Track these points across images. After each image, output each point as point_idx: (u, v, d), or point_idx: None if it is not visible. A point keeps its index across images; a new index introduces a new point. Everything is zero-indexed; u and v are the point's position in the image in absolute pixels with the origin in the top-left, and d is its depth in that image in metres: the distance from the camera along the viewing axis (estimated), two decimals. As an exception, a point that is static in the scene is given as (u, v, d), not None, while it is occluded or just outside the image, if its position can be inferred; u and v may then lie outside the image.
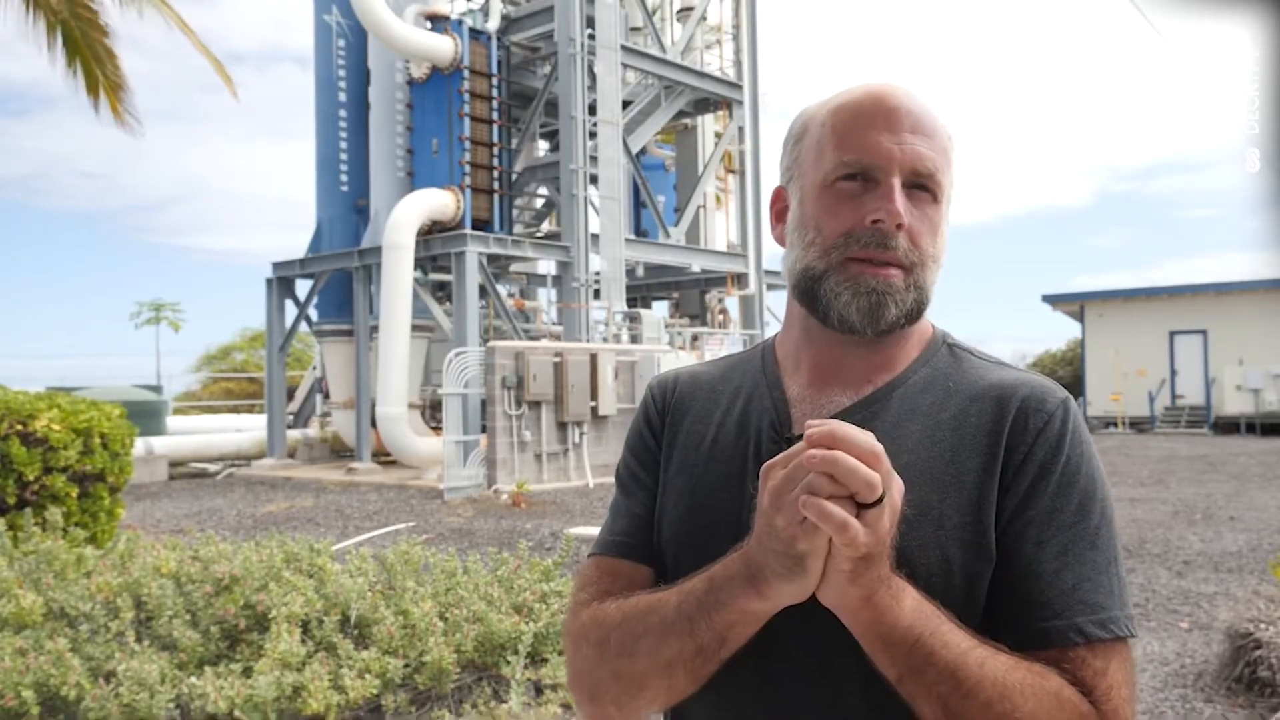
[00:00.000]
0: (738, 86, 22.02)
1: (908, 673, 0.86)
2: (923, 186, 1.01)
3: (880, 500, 0.79)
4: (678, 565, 1.07)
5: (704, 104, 22.44)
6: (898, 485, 0.82)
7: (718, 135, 23.40)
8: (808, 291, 1.04)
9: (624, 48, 19.07)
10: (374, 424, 16.47)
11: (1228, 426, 24.86)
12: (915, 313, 1.03)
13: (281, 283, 19.56)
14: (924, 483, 0.97)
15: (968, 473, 0.97)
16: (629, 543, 1.12)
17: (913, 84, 1.06)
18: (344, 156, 18.81)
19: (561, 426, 14.54)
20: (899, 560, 0.86)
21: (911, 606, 0.86)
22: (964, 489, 0.97)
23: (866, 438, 0.80)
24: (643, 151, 21.77)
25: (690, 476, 1.10)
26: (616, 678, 1.00)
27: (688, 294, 24.32)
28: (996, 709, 0.85)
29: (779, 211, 1.12)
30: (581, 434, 14.78)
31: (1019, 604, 0.93)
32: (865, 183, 1.00)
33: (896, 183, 0.99)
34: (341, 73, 18.70)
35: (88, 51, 9.37)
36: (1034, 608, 0.92)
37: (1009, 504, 0.96)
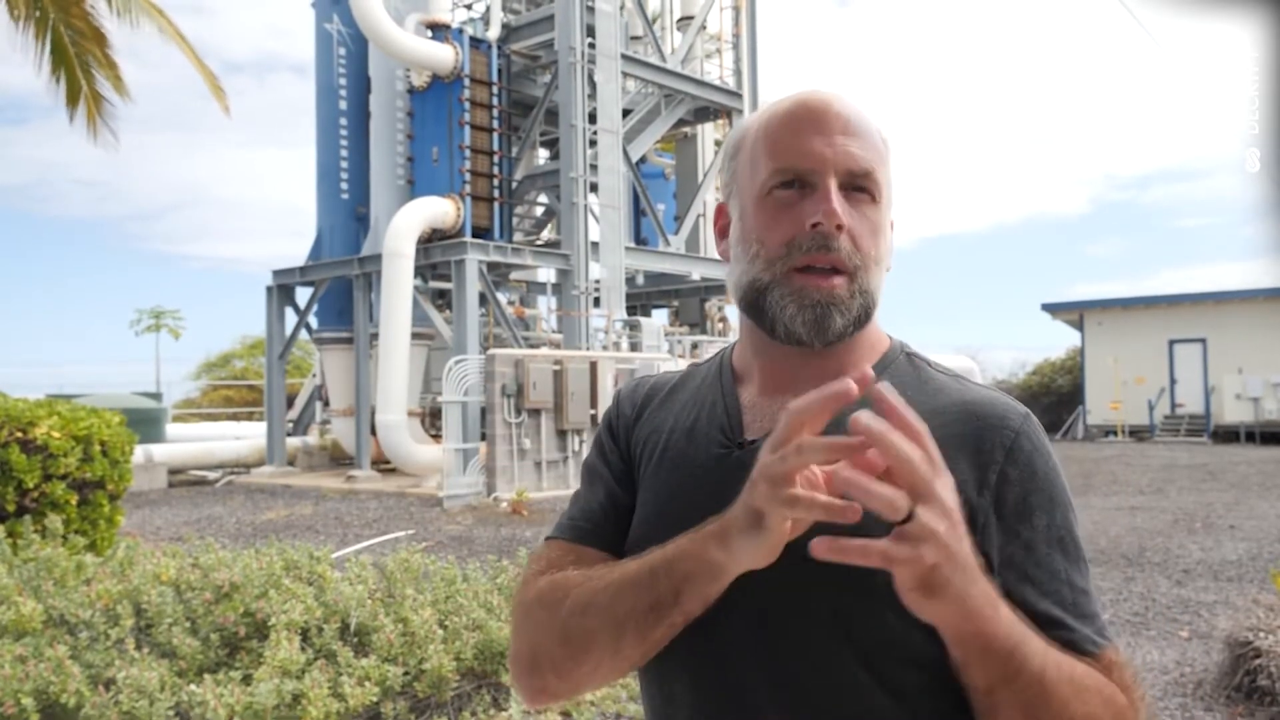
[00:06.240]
0: (738, 95, 22.07)
1: (1000, 682, 0.84)
2: (860, 187, 1.00)
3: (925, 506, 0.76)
4: None
5: (704, 112, 22.49)
6: (948, 481, 0.78)
7: (718, 144, 23.44)
8: (754, 305, 1.03)
9: (624, 56, 19.12)
10: (374, 432, 16.46)
11: (1227, 435, 24.85)
12: (863, 318, 1.01)
13: (281, 290, 19.58)
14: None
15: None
16: (586, 527, 1.11)
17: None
18: (344, 164, 18.84)
19: (561, 434, 14.54)
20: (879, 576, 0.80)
21: (1007, 614, 0.83)
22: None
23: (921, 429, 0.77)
24: (643, 160, 21.81)
25: (648, 490, 1.09)
26: (565, 640, 0.98)
27: (687, 302, 24.35)
28: (1073, 707, 0.85)
29: (722, 228, 1.11)
30: (581, 442, 14.77)
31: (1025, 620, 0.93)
32: (802, 189, 0.99)
33: (833, 184, 0.98)
34: (342, 81, 18.75)
35: (74, 61, 9.23)
36: (1043, 624, 0.91)
37: (998, 521, 0.95)
